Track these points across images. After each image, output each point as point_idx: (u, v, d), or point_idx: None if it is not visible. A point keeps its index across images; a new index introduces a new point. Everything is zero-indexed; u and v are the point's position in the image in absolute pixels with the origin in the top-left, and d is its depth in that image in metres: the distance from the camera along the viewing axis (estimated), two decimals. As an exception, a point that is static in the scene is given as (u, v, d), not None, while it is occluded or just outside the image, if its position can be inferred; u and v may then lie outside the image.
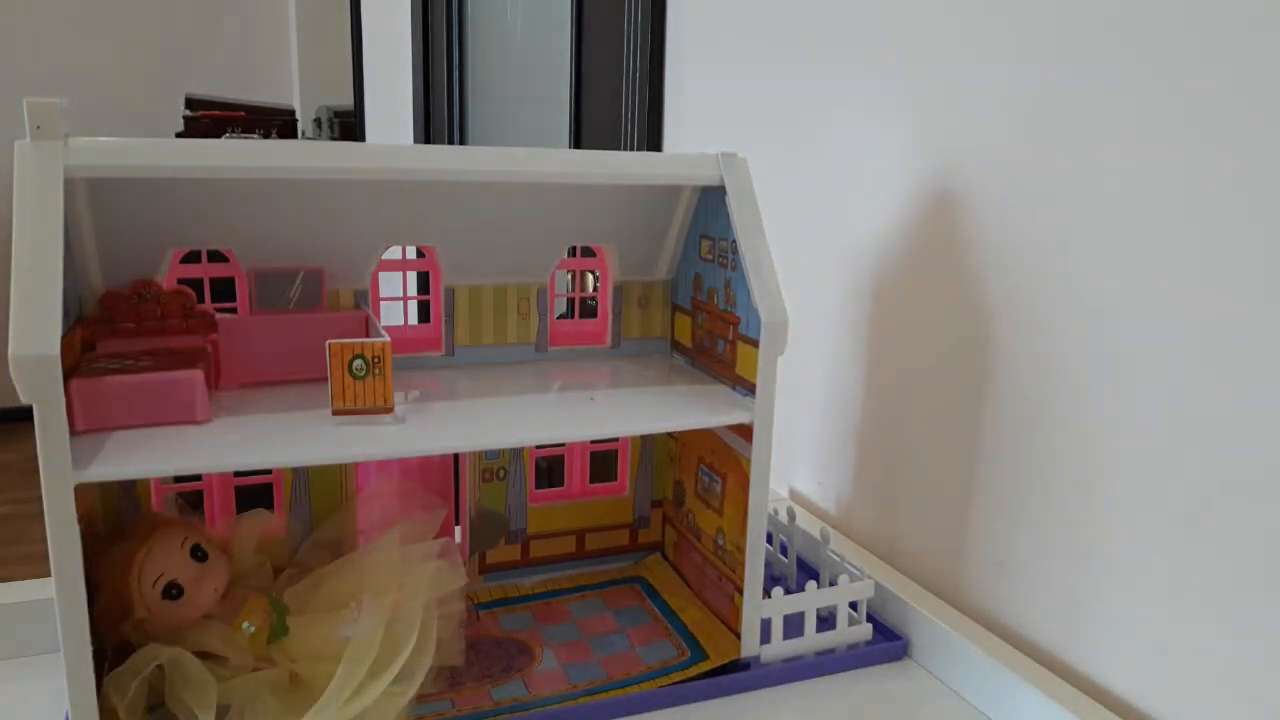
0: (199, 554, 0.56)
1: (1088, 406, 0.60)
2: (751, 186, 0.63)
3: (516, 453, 0.73)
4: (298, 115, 3.49)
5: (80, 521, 0.47)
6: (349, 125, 3.01)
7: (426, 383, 0.65)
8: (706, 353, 0.69)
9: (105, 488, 0.60)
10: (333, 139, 3.08)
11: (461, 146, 1.88)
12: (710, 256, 0.67)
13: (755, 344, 0.61)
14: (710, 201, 0.67)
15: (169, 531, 0.56)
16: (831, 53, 0.83)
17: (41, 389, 0.45)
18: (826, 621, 0.68)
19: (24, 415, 0.50)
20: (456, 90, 2.16)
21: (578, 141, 1.42)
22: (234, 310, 0.63)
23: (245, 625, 0.56)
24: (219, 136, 2.88)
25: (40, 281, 0.46)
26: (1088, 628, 0.61)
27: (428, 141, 2.25)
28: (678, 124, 1.13)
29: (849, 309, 0.82)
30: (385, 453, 0.54)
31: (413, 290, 0.71)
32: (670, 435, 0.76)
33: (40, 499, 0.46)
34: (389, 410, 0.56)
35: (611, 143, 1.28)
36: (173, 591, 0.54)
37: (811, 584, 0.65)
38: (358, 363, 0.54)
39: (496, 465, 0.72)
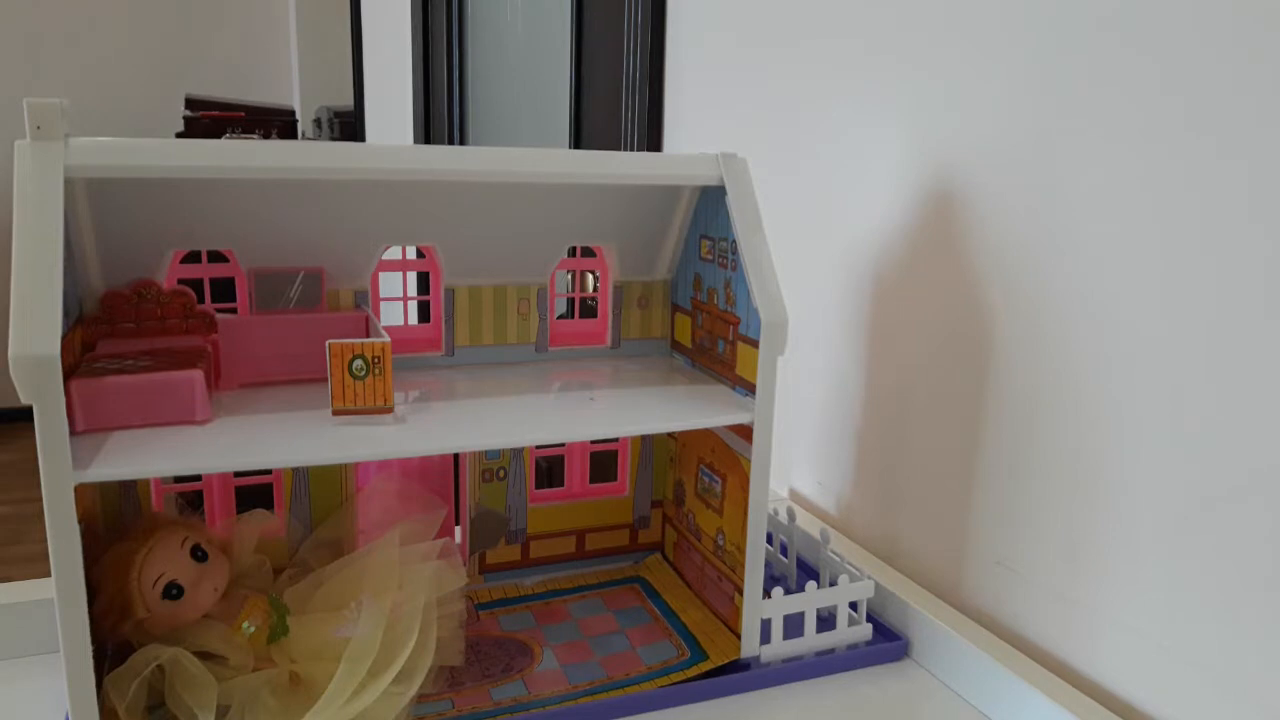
0: (199, 554, 0.56)
1: (1088, 406, 0.60)
2: (751, 186, 0.63)
3: (516, 453, 0.73)
4: (298, 115, 3.49)
5: (80, 521, 0.47)
6: (349, 125, 3.02)
7: (426, 383, 0.65)
8: (706, 353, 0.69)
9: (105, 488, 0.60)
10: (333, 139, 3.08)
11: (461, 146, 1.88)
12: (710, 256, 0.67)
13: (755, 344, 0.61)
14: (710, 201, 0.67)
15: (169, 531, 0.56)
16: (831, 53, 0.83)
17: (41, 389, 0.45)
18: (826, 622, 0.68)
19: (24, 415, 0.50)
20: (456, 90, 2.16)
21: (578, 142, 1.42)
22: (234, 310, 0.63)
23: (245, 625, 0.56)
24: (219, 136, 2.88)
25: (40, 281, 0.46)
26: (1088, 628, 0.61)
27: (428, 141, 2.25)
28: (678, 124, 1.13)
29: (849, 309, 0.82)
30: (385, 453, 0.54)
31: (413, 290, 0.71)
32: (670, 435, 0.76)
33: (40, 499, 0.46)
34: (389, 410, 0.56)
35: (611, 143, 1.28)
36: (173, 591, 0.54)
37: (811, 584, 0.65)
38: (358, 363, 0.54)
39: (496, 465, 0.72)
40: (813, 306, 0.86)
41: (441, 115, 2.21)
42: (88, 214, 0.56)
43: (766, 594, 0.64)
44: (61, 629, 0.47)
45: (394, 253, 0.66)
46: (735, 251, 0.63)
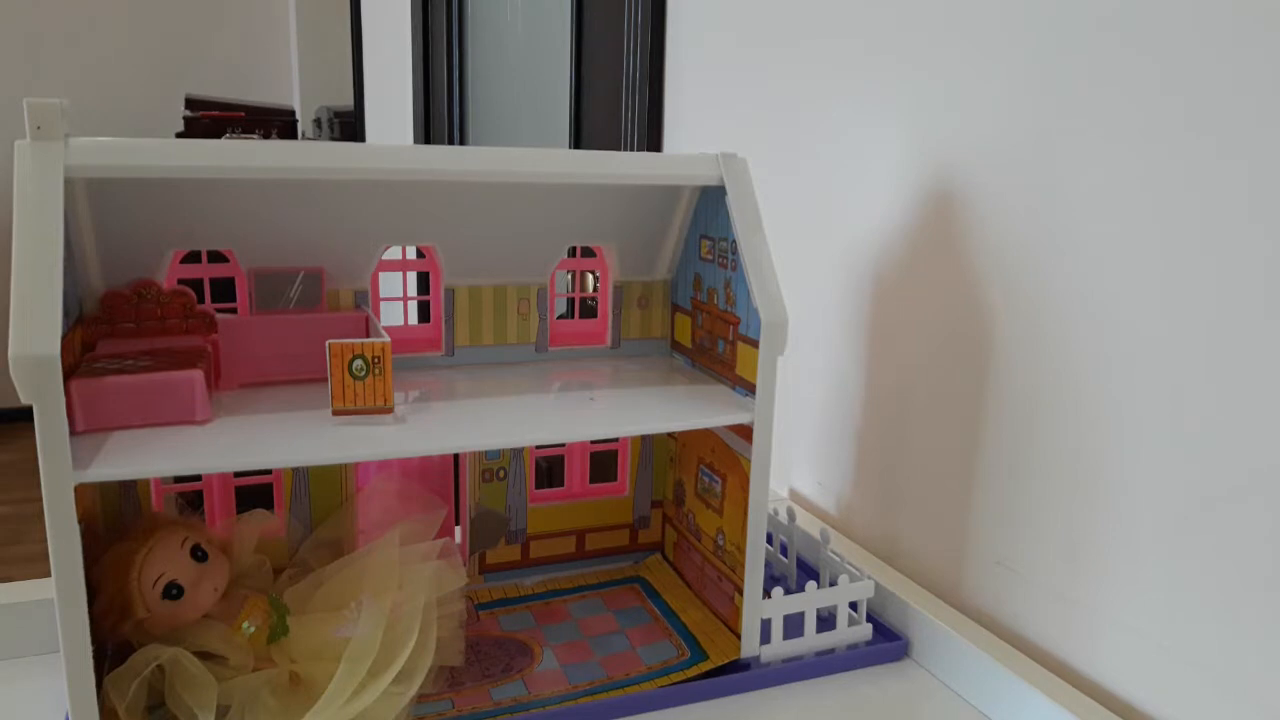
0: (199, 554, 0.56)
1: (1088, 406, 0.60)
2: (751, 186, 0.63)
3: (516, 453, 0.73)
4: (298, 115, 3.49)
5: (80, 521, 0.47)
6: (349, 125, 3.02)
7: (426, 383, 0.65)
8: (706, 353, 0.69)
9: (105, 488, 0.60)
10: (333, 139, 3.08)
11: (461, 146, 1.88)
12: (710, 256, 0.67)
13: (755, 344, 0.61)
14: (710, 201, 0.67)
15: (169, 531, 0.56)
16: (831, 53, 0.83)
17: (41, 389, 0.45)
18: (826, 622, 0.68)
19: (24, 415, 0.50)
20: (456, 90, 2.16)
21: (578, 141, 1.42)
22: (234, 310, 0.63)
23: (245, 625, 0.56)
24: (219, 136, 2.88)
25: (40, 281, 0.46)
26: (1088, 628, 0.61)
27: (428, 141, 2.25)
28: (678, 124, 1.13)
29: (849, 309, 0.82)
30: (385, 453, 0.54)
31: (413, 290, 0.71)
32: (670, 435, 0.76)
33: (40, 499, 0.46)
34: (389, 410, 0.56)
35: (611, 143, 1.28)
36: (173, 591, 0.54)
37: (811, 584, 0.65)
38: (358, 363, 0.54)
39: (496, 465, 0.72)
40: (813, 306, 0.86)
41: (441, 115, 2.21)
42: (88, 214, 0.56)
43: (766, 594, 0.64)
44: (61, 629, 0.47)
45: (394, 253, 0.66)
46: (735, 251, 0.63)
